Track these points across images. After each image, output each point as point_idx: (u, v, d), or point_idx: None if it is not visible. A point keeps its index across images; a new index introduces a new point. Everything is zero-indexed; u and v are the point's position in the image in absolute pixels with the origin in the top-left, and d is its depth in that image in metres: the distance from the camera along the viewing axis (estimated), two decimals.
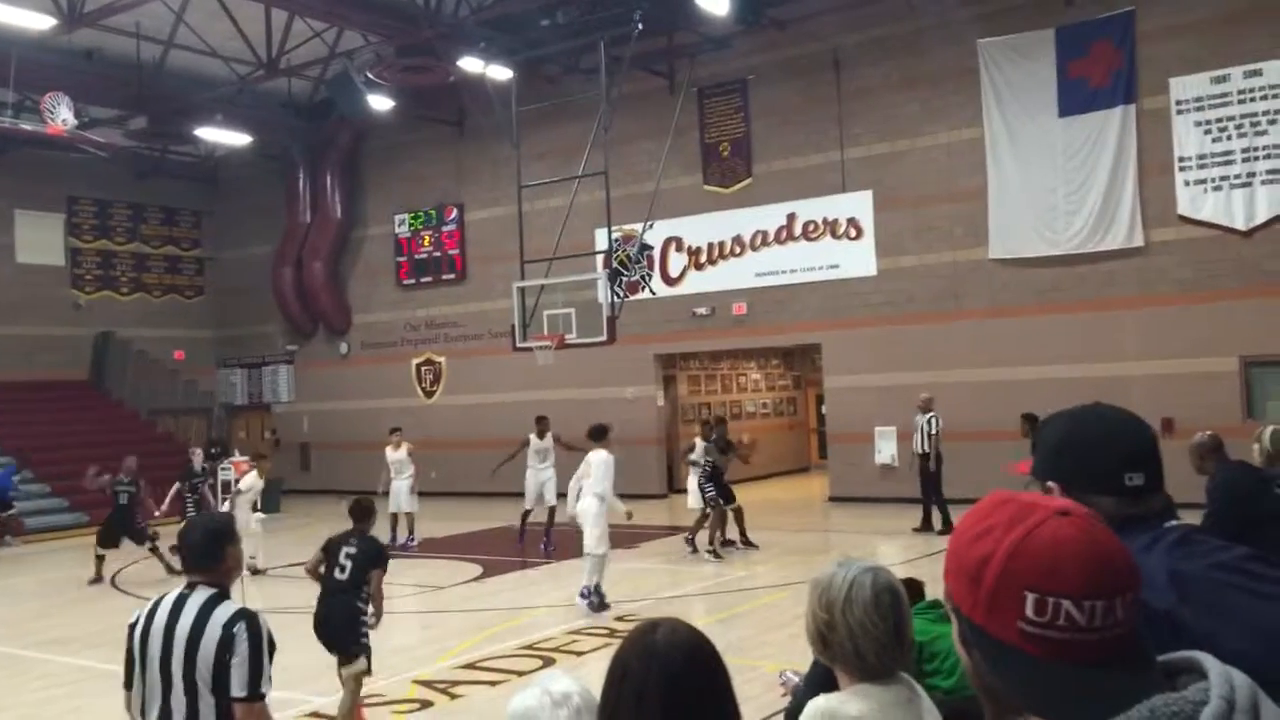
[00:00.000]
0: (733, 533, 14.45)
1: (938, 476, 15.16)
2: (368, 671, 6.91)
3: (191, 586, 3.68)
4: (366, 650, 6.89)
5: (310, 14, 18.42)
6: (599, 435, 10.96)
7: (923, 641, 4.20)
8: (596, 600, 10.61)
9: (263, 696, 3.55)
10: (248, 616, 3.60)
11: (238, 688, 3.50)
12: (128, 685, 3.74)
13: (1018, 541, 1.14)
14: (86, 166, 23.21)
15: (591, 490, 10.61)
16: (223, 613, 3.58)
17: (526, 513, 15.50)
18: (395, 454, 16.49)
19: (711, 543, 13.86)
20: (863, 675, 2.13)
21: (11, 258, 24.70)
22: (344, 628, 6.83)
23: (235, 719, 3.51)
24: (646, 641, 1.95)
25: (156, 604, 3.70)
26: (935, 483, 15.17)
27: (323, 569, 7.00)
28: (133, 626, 3.73)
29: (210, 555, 3.70)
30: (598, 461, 10.69)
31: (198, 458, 16.70)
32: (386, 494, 15.83)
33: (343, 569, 6.89)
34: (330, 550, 7.01)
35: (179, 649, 3.55)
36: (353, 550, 6.92)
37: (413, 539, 16.32)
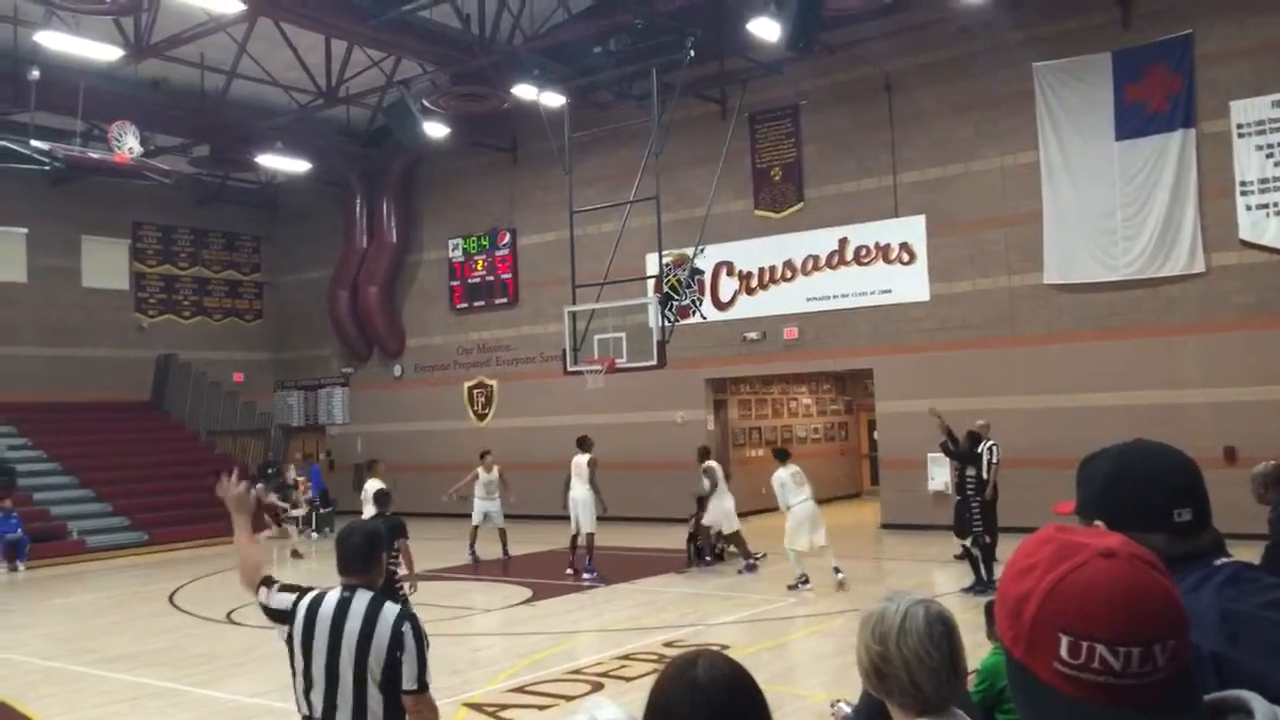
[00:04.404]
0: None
1: (992, 507, 14.90)
2: None
3: (350, 589, 3.95)
4: None
5: (368, 44, 18.80)
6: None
7: (1004, 685, 4.11)
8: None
9: (428, 686, 3.86)
10: (411, 616, 3.92)
11: (409, 681, 3.81)
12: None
13: (1056, 581, 1.13)
14: (150, 193, 23.78)
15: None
16: (389, 614, 3.88)
17: (574, 538, 15.18)
18: (487, 475, 16.91)
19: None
20: (919, 708, 2.10)
21: (78, 282, 25.37)
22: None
23: (406, 709, 3.83)
24: (689, 677, 1.94)
25: (315, 604, 3.96)
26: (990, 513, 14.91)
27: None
28: (291, 625, 4.00)
29: (368, 559, 4.02)
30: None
31: (290, 471, 19.21)
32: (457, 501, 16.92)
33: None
34: None
35: (348, 647, 3.83)
36: None
37: (508, 554, 16.75)
